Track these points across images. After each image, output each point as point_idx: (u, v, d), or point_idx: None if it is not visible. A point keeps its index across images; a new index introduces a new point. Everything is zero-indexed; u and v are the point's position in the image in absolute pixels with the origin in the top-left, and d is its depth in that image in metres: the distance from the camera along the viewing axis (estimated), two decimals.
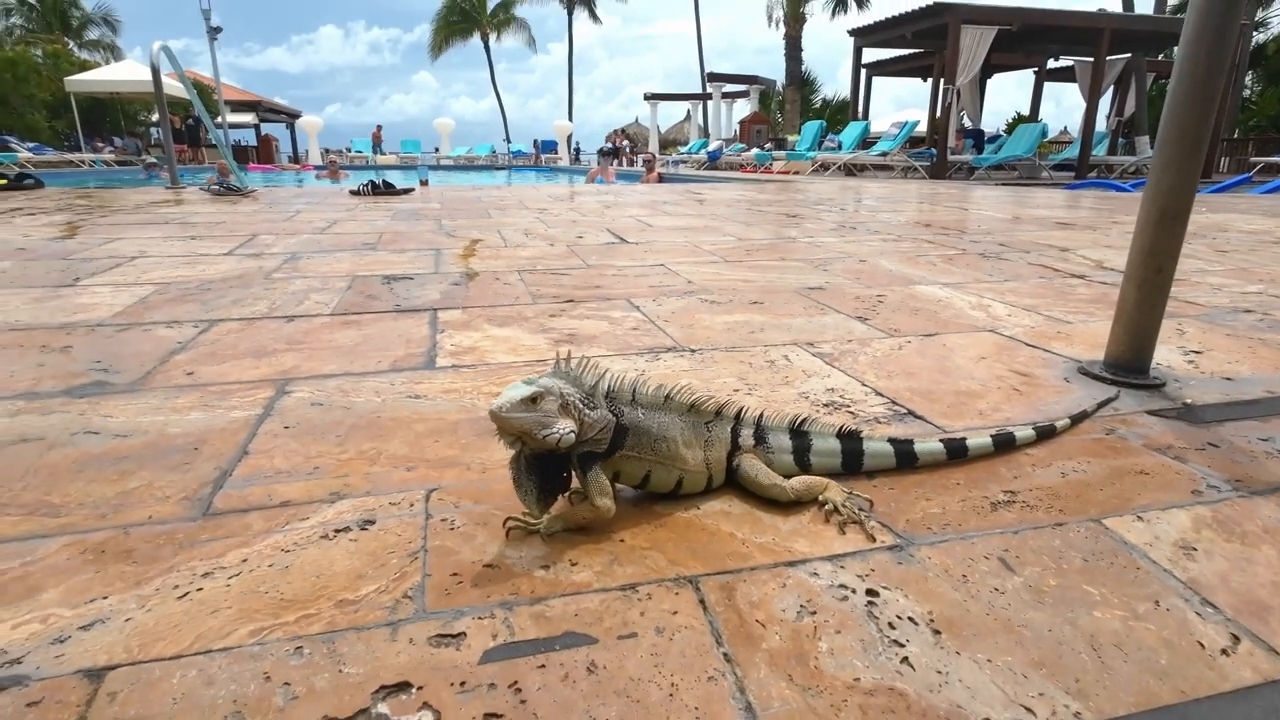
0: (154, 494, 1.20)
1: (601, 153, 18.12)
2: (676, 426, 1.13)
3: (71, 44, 28.98)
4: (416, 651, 0.84)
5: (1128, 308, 1.70)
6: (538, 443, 0.99)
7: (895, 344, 2.07)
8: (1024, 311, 2.47)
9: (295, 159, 27.55)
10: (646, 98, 27.01)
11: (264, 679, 0.80)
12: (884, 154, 14.72)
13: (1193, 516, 1.16)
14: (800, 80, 28.21)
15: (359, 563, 1.01)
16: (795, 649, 0.86)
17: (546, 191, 9.32)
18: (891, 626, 0.90)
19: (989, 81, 17.89)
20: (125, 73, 20.81)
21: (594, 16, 36.41)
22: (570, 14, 35.46)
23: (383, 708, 0.77)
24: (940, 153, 13.87)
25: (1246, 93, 23.30)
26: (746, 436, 1.20)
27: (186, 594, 0.94)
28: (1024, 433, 1.38)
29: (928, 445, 1.29)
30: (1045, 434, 1.41)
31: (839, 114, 26.77)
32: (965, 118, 16.60)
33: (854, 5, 28.29)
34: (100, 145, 21.48)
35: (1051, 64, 17.31)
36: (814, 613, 0.92)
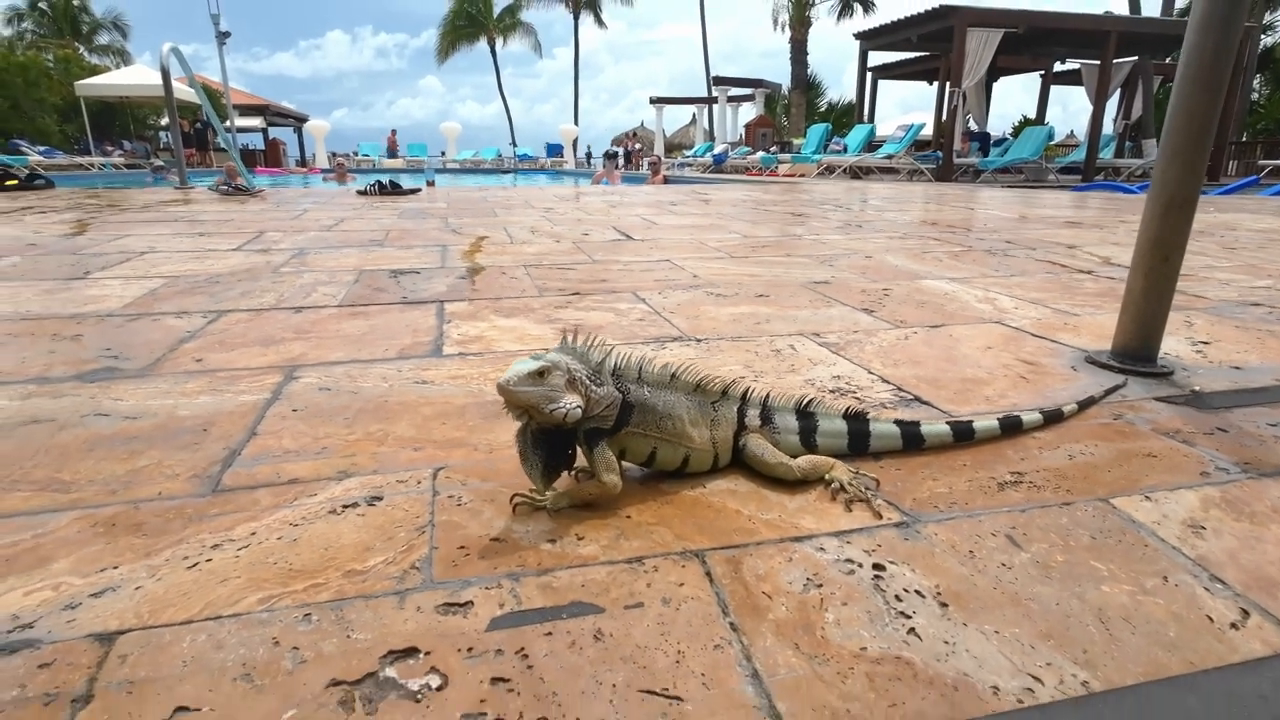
0: (163, 472, 1.20)
1: (606, 155, 18.16)
2: (682, 405, 1.13)
3: (82, 49, 29.25)
4: (424, 619, 0.85)
5: (1135, 297, 1.70)
6: (544, 417, 0.99)
7: (901, 334, 2.07)
8: (1030, 304, 2.46)
9: (302, 163, 27.69)
10: (652, 101, 27.07)
11: (273, 643, 0.80)
12: (889, 157, 14.72)
13: (1201, 497, 1.15)
14: (805, 84, 28.24)
15: (367, 536, 1.01)
16: (802, 619, 0.86)
17: (552, 192, 9.35)
18: (898, 599, 0.90)
19: (995, 85, 17.87)
20: (135, 77, 20.98)
21: (599, 21, 36.56)
22: (576, 19, 35.59)
23: (390, 671, 0.77)
24: (946, 155, 13.85)
25: (1255, 96, 23.22)
26: (753, 417, 1.21)
27: (196, 564, 0.95)
28: (1031, 417, 1.38)
29: (934, 427, 1.28)
30: (1052, 418, 1.41)
31: (844, 117, 26.79)
32: (971, 121, 16.58)
33: (860, 8, 28.32)
34: (110, 149, 21.64)
35: (1058, 67, 17.28)
36: (820, 585, 0.92)
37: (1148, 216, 1.61)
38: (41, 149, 18.81)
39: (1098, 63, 14.19)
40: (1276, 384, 1.66)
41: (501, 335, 2.04)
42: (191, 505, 1.10)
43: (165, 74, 7.91)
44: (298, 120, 31.11)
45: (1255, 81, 22.77)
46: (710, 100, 27.32)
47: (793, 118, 27.18)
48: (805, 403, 1.25)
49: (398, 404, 1.51)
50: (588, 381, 1.03)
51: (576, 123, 31.64)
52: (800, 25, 27.05)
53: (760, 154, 17.76)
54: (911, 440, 1.27)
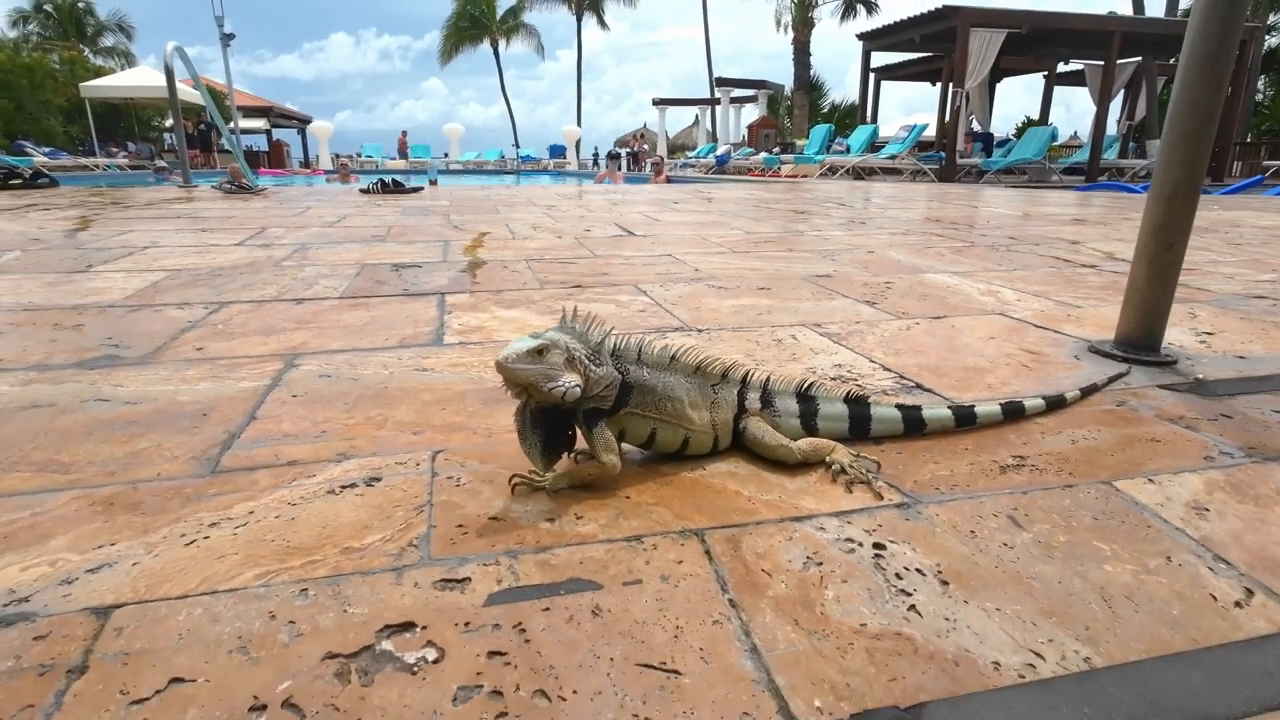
0: (162, 454, 1.20)
1: (609, 155, 18.19)
2: (682, 386, 1.13)
3: (87, 51, 29.39)
4: (421, 594, 0.84)
5: (1139, 285, 1.69)
6: (543, 395, 0.99)
7: (903, 325, 2.06)
8: (1033, 297, 2.45)
9: (306, 164, 27.77)
10: (655, 103, 27.09)
11: (269, 617, 0.80)
12: (893, 157, 14.70)
13: (1205, 480, 1.14)
14: (808, 85, 28.24)
15: (365, 515, 1.01)
16: (801, 596, 0.85)
17: (554, 191, 9.35)
18: (898, 577, 0.89)
19: (998, 86, 17.85)
20: (139, 79, 21.06)
21: (602, 23, 36.60)
22: (579, 20, 35.65)
23: (387, 645, 0.76)
24: (949, 156, 13.83)
25: (1259, 97, 23.16)
26: (753, 400, 1.20)
27: (193, 541, 0.94)
28: (1033, 402, 1.37)
29: (936, 411, 1.28)
30: (1055, 404, 1.40)
31: (847, 118, 26.79)
32: (974, 121, 16.56)
33: (863, 10, 28.31)
34: (114, 150, 21.73)
35: (1061, 68, 17.26)
36: (820, 563, 0.92)
37: (1151, 203, 1.60)
38: (46, 150, 18.90)
39: (1101, 63, 14.16)
40: None
41: (502, 325, 2.04)
42: (190, 485, 1.09)
43: (169, 74, 7.94)
44: (301, 122, 31.19)
45: (1259, 83, 22.71)
46: (713, 101, 27.34)
47: (795, 119, 27.17)
48: (806, 386, 1.24)
49: (397, 390, 1.50)
50: (587, 361, 1.03)
51: (579, 124, 31.66)
52: (803, 26, 27.06)
53: (763, 155, 17.75)
54: (913, 424, 1.26)
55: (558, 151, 26.50)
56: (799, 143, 19.64)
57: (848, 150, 15.58)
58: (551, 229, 4.46)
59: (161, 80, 8.67)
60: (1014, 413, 1.34)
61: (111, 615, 0.80)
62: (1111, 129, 16.03)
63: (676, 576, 0.88)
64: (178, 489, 1.08)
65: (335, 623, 0.79)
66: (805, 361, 1.72)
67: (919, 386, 1.55)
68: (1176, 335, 1.93)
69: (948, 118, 14.21)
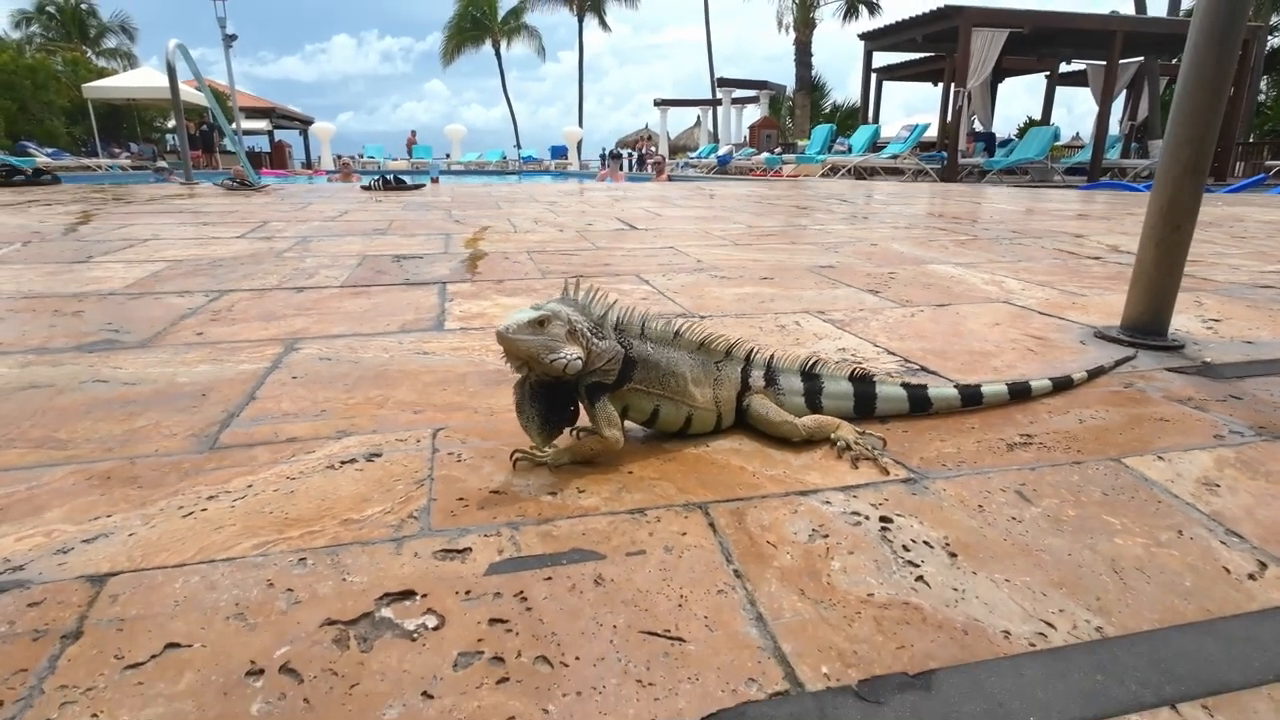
0: (161, 432, 1.19)
1: (610, 155, 18.19)
2: (686, 363, 1.11)
3: (89, 52, 29.44)
4: (421, 564, 0.83)
5: (1146, 267, 1.67)
6: (544, 367, 0.98)
7: (907, 312, 2.05)
8: (1038, 286, 2.44)
9: (308, 165, 27.78)
10: (657, 103, 27.07)
11: (267, 585, 0.79)
12: (894, 157, 14.67)
13: (1215, 457, 1.13)
14: (810, 85, 28.22)
15: (364, 489, 1.00)
16: (807, 567, 0.84)
17: (556, 188, 9.35)
18: (906, 549, 0.88)
19: (1000, 86, 17.82)
20: (142, 79, 21.09)
21: (604, 24, 36.59)
22: (580, 22, 35.65)
23: (386, 612, 0.75)
24: (951, 155, 13.81)
25: (1261, 97, 23.11)
26: (757, 378, 1.19)
27: (191, 513, 0.93)
28: (1040, 383, 1.35)
29: (941, 390, 1.26)
30: (1062, 385, 1.38)
31: (849, 119, 26.76)
32: (976, 121, 16.53)
33: (864, 10, 28.26)
34: (117, 151, 21.75)
35: (1063, 68, 17.22)
36: (826, 536, 0.90)
37: (1160, 183, 1.58)
38: (49, 151, 18.91)
39: (1103, 63, 14.13)
40: None
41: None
42: (188, 461, 1.08)
43: (171, 71, 7.94)
44: (303, 123, 31.22)
45: (1262, 83, 22.67)
46: (714, 102, 27.32)
47: (797, 119, 27.16)
48: (810, 364, 1.23)
49: (398, 372, 1.49)
50: (589, 334, 1.02)
51: (581, 126, 31.66)
52: (805, 27, 27.04)
53: (765, 155, 17.73)
54: (918, 403, 1.25)
55: (559, 152, 26.50)
56: (801, 143, 19.63)
57: (849, 150, 15.56)
58: (553, 223, 4.45)
59: (164, 81, 8.67)
60: (1020, 393, 1.32)
61: (107, 583, 0.79)
62: (1114, 129, 15.99)
63: (680, 548, 0.87)
64: (175, 464, 1.07)
65: (334, 590, 0.78)
66: (809, 346, 1.71)
67: (924, 369, 1.54)
68: (1183, 322, 1.91)
69: (949, 118, 14.19)
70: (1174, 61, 17.05)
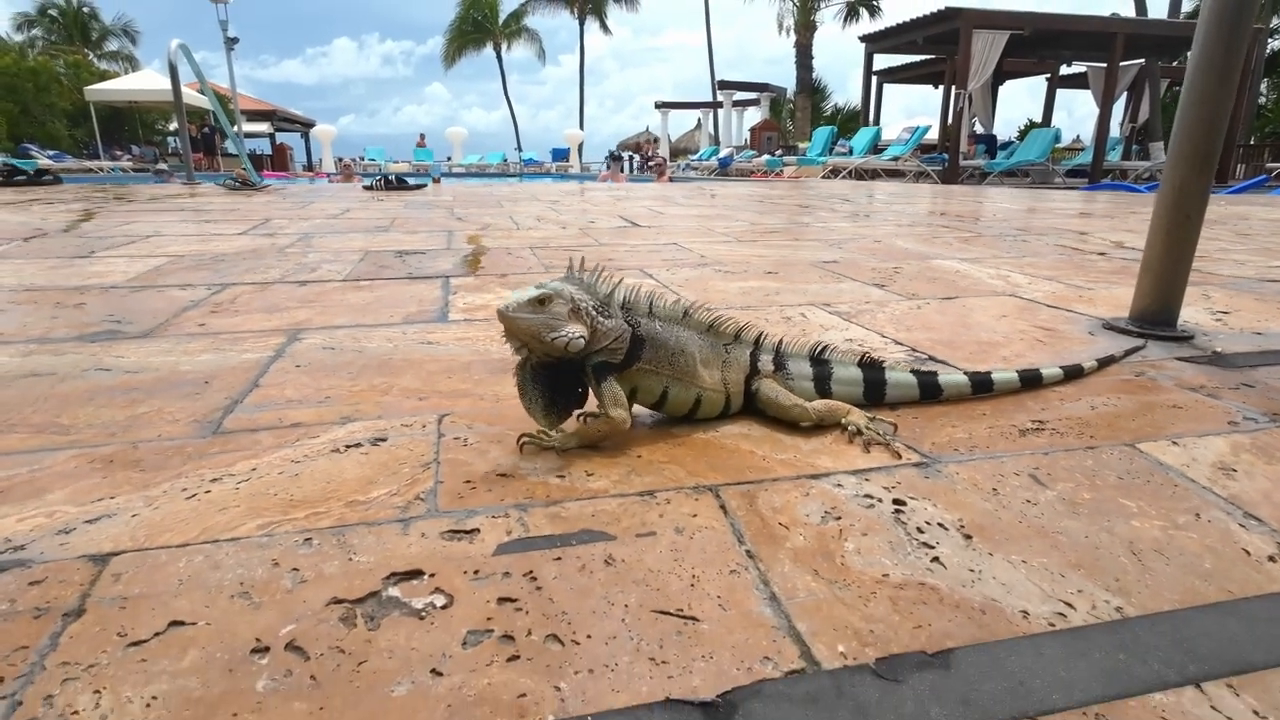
0: (164, 418, 1.18)
1: (611, 157, 18.21)
2: (695, 342, 1.10)
3: (91, 55, 29.51)
4: (428, 544, 0.82)
5: (1155, 255, 1.66)
6: (545, 346, 0.97)
7: (914, 304, 2.04)
8: (1044, 280, 2.43)
9: (309, 167, 27.79)
10: (657, 106, 27.11)
11: (272, 564, 0.77)
12: (896, 159, 14.68)
13: (1230, 443, 1.12)
14: (811, 88, 28.24)
15: (370, 471, 0.98)
16: (821, 548, 0.83)
17: (558, 188, 9.35)
18: (920, 531, 0.87)
19: (1000, 89, 17.83)
20: (143, 82, 21.10)
21: (605, 28, 36.64)
22: (581, 25, 35.70)
23: (394, 591, 0.74)
24: (952, 157, 13.80)
25: (1262, 100, 23.12)
26: (766, 362, 1.17)
27: (194, 495, 0.92)
28: (1051, 371, 1.34)
29: (952, 377, 1.25)
30: (1072, 374, 1.37)
31: (850, 122, 26.78)
32: (977, 123, 16.54)
33: (865, 13, 28.31)
34: (118, 153, 21.78)
35: (1064, 70, 17.23)
36: (839, 518, 0.89)
37: (1170, 169, 1.57)
38: (51, 153, 18.93)
39: (1104, 65, 14.13)
40: None
41: None
42: (192, 445, 1.07)
43: (173, 70, 7.95)
44: (305, 126, 31.24)
45: (1262, 85, 22.67)
46: (715, 105, 27.34)
47: (798, 122, 27.18)
48: (820, 350, 1.22)
49: (402, 361, 1.48)
50: (594, 312, 1.00)
51: (582, 128, 31.67)
52: (805, 30, 27.08)
53: (765, 157, 17.74)
54: (929, 390, 1.24)
55: (560, 154, 26.51)
56: (802, 145, 19.64)
57: (850, 152, 15.56)
58: (555, 220, 4.44)
59: (165, 83, 8.67)
60: (1031, 381, 1.31)
61: (110, 562, 0.78)
62: (1114, 131, 15.98)
63: (691, 529, 0.86)
64: (179, 448, 1.06)
65: (340, 570, 0.77)
66: (816, 337, 1.70)
67: (932, 359, 1.53)
68: (1191, 314, 1.90)
69: (950, 120, 14.20)
70: (1174, 64, 17.06)
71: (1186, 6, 20.87)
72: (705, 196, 7.20)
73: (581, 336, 0.97)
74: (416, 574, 0.77)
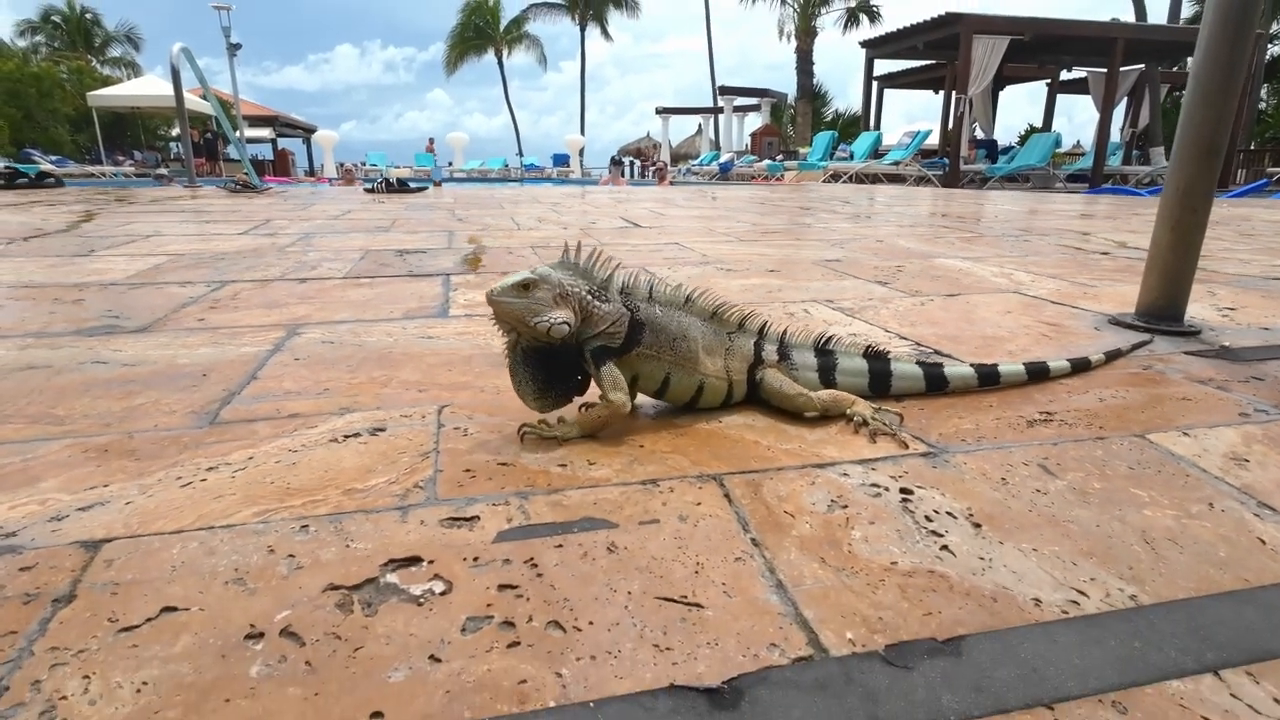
0: (160, 409, 1.17)
1: (613, 161, 18.25)
2: (697, 328, 1.09)
3: (94, 61, 29.59)
4: (427, 531, 0.80)
5: (1161, 251, 1.65)
6: (530, 330, 0.96)
7: (917, 301, 2.02)
8: (1048, 279, 2.41)
9: (311, 172, 27.83)
10: (658, 111, 27.16)
11: (267, 551, 0.76)
12: (896, 163, 14.68)
13: (1242, 434, 1.10)
14: (811, 93, 28.30)
15: (368, 460, 0.97)
16: (827, 536, 0.81)
17: (559, 191, 9.35)
18: (928, 519, 0.85)
19: (1001, 94, 17.85)
20: (146, 88, 21.14)
21: (606, 34, 36.76)
22: (583, 31, 35.82)
23: (391, 578, 0.72)
24: (953, 162, 13.81)
25: (1262, 105, 23.15)
26: (770, 352, 1.16)
27: (189, 483, 0.90)
28: (1058, 364, 1.32)
29: (958, 369, 1.24)
30: (1080, 366, 1.35)
31: (850, 127, 26.80)
32: (978, 128, 16.55)
33: (865, 19, 28.39)
34: (120, 158, 21.82)
35: (1064, 76, 17.26)
36: (845, 506, 0.87)
37: (1176, 163, 1.56)
38: (54, 159, 18.96)
39: (1104, 70, 14.14)
40: None
41: None
42: (188, 435, 1.06)
43: (175, 74, 7.96)
44: (306, 131, 31.31)
45: (1262, 91, 22.70)
46: (716, 110, 27.41)
47: (799, 127, 27.23)
48: (824, 340, 1.20)
49: (402, 354, 1.47)
50: (588, 297, 0.99)
51: (583, 134, 31.72)
52: (806, 36, 27.16)
53: (766, 162, 17.76)
54: (934, 381, 1.22)
55: (561, 160, 26.56)
56: (802, 150, 19.66)
57: (851, 157, 15.57)
58: (556, 222, 4.43)
59: (168, 89, 8.69)
60: (1038, 373, 1.30)
61: (102, 548, 0.76)
62: (1114, 136, 15.99)
63: (695, 517, 0.84)
64: (174, 438, 1.04)
65: (337, 556, 0.75)
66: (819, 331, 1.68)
67: (937, 353, 1.51)
68: (1197, 310, 1.88)
69: (951, 125, 14.21)
70: (1174, 69, 17.08)
71: (1186, 12, 20.93)
72: (706, 199, 7.19)
73: (565, 323, 0.96)
74: (415, 561, 0.75)
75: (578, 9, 34.59)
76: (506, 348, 1.01)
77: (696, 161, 24.25)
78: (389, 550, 0.77)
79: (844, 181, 14.53)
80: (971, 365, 1.25)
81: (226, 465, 0.95)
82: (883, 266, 2.65)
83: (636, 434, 1.06)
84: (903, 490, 0.91)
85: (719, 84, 27.60)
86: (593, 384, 1.06)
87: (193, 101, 14.78)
